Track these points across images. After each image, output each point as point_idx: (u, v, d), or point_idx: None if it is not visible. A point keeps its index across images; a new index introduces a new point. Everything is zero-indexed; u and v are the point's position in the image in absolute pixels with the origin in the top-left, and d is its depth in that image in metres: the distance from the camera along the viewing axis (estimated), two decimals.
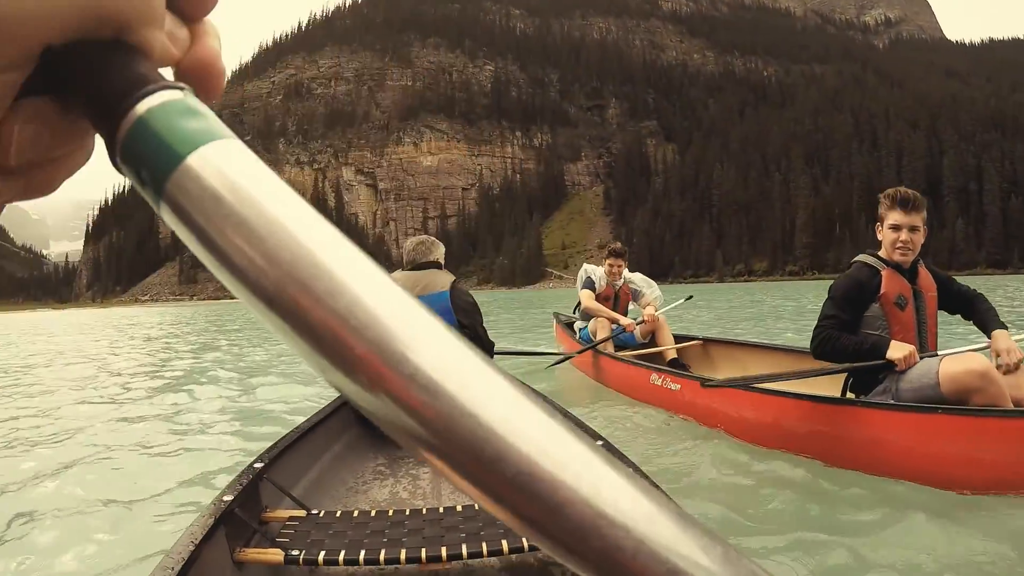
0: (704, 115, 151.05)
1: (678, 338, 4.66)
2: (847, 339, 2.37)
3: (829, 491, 2.11)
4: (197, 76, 0.18)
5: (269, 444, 1.93)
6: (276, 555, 1.34)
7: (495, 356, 3.22)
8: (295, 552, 1.34)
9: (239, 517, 1.42)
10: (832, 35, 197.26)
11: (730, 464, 2.42)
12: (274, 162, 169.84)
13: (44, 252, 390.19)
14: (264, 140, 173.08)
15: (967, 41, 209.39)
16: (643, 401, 3.60)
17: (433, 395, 0.12)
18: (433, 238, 2.80)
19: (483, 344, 2.67)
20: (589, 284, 4.70)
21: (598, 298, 4.67)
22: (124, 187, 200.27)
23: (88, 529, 2.13)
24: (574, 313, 5.28)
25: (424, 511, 1.61)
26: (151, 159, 0.15)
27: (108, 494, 2.41)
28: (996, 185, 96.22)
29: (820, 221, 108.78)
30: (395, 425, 0.13)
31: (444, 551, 1.33)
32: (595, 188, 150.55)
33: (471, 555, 1.34)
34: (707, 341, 4.58)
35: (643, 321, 4.49)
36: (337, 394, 2.41)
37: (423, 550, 1.34)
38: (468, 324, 2.55)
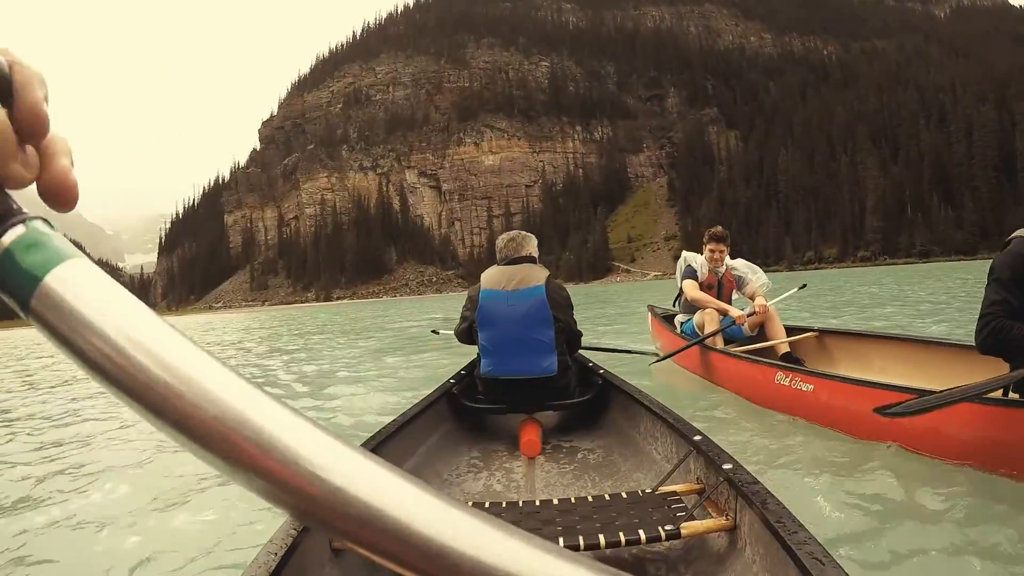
0: (765, 99, 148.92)
1: (789, 330, 4.22)
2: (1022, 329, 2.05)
3: None
4: (52, 192, 0.23)
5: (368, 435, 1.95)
6: None
7: (583, 351, 3.23)
8: None
9: None
10: (890, 7, 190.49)
11: (916, 481, 2.07)
12: (338, 169, 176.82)
13: (120, 265, 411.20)
14: (327, 148, 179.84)
15: None
16: (764, 404, 3.25)
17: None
18: (525, 232, 2.83)
19: (573, 336, 2.72)
20: (691, 273, 4.45)
21: (703, 284, 4.43)
22: (194, 201, 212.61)
23: (186, 517, 2.21)
24: (674, 305, 5.03)
25: (520, 503, 1.62)
26: (15, 284, 0.21)
27: (200, 485, 2.55)
28: None
29: (890, 204, 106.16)
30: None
31: None
32: (659, 179, 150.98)
33: (568, 548, 1.17)
34: (823, 332, 4.17)
35: (753, 312, 4.19)
36: (434, 387, 2.84)
37: None
38: (563, 319, 2.59)
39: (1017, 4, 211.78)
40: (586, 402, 2.66)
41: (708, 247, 4.46)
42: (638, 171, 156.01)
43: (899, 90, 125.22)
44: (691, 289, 4.44)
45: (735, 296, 4.58)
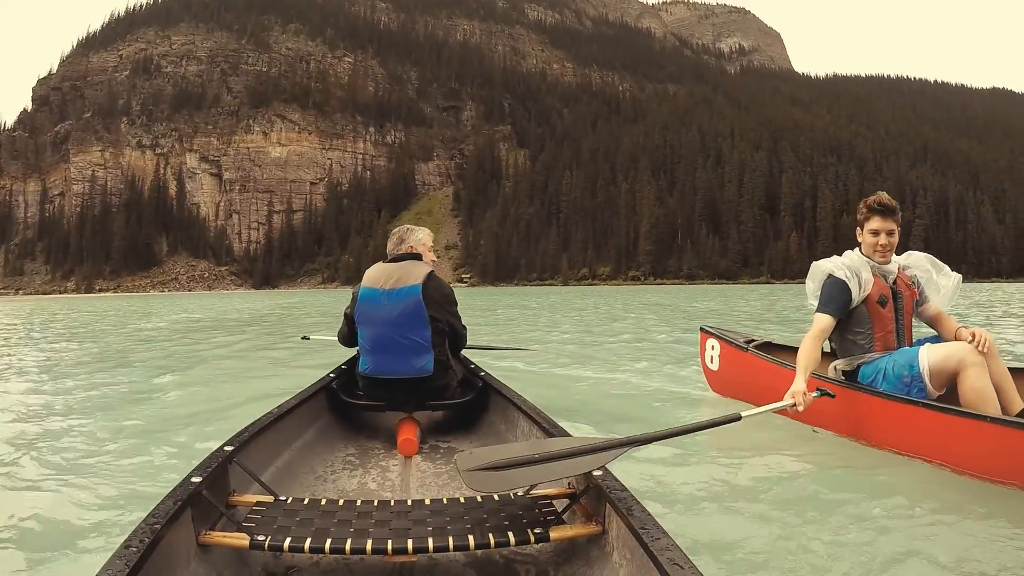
0: (558, 123, 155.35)
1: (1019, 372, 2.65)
2: None
3: None
4: None
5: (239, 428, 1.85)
6: (241, 539, 1.33)
7: (468, 351, 3.06)
8: (260, 537, 1.32)
9: (206, 499, 1.40)
10: (688, 58, 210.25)
11: None
12: (114, 143, 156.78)
13: None
14: (105, 119, 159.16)
15: (813, 74, 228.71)
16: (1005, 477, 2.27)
17: None
18: (410, 225, 2.71)
19: (456, 336, 2.62)
20: (837, 293, 2.67)
21: (867, 300, 2.68)
22: None
23: (46, 506, 2.09)
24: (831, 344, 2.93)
25: (392, 503, 1.59)
26: None
27: (61, 473, 2.37)
28: (829, 203, 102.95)
29: (663, 230, 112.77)
30: None
31: (410, 544, 1.32)
32: (445, 189, 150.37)
33: (437, 549, 1.33)
34: None
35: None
36: (312, 380, 2.56)
37: (389, 542, 1.32)
38: (442, 318, 2.50)
39: (800, 71, 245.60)
40: (466, 403, 2.62)
41: (869, 226, 2.69)
42: (426, 179, 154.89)
43: (683, 130, 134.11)
44: (809, 335, 2.65)
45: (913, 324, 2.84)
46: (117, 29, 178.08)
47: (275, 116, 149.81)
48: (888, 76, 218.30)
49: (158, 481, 2.43)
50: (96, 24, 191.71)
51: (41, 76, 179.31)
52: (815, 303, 2.79)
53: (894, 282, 2.74)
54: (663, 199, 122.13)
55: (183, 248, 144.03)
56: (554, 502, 1.60)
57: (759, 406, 2.47)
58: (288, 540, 1.31)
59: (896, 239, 2.66)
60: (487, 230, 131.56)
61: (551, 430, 1.94)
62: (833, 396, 2.53)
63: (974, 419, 2.32)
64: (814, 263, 2.86)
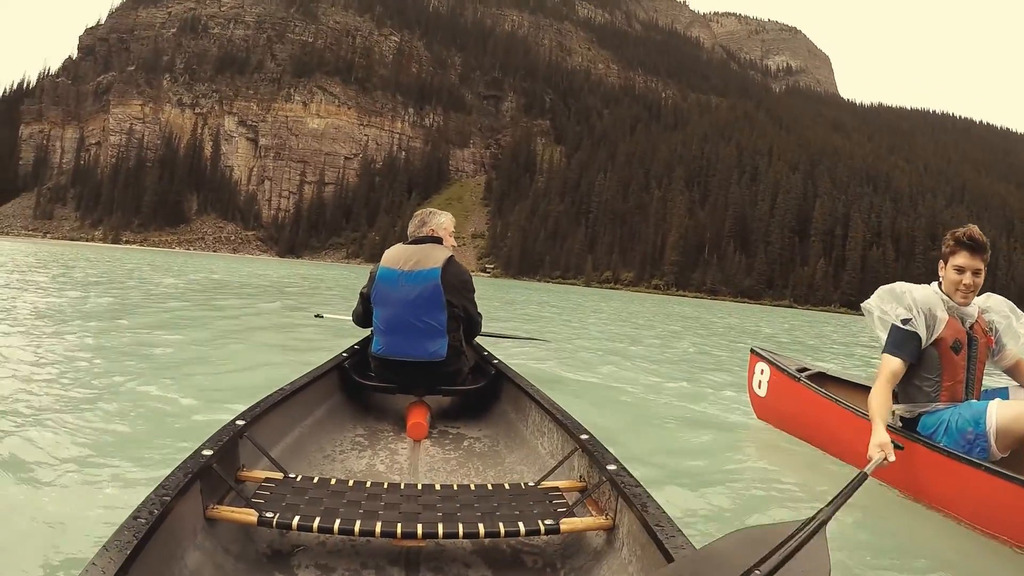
0: (597, 123, 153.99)
1: None
2: None
3: None
4: None
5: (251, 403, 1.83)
6: (250, 515, 1.32)
7: (482, 338, 3.01)
8: (269, 514, 1.32)
9: (216, 473, 1.39)
10: (734, 71, 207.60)
11: None
12: (154, 99, 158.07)
13: None
14: (148, 74, 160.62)
15: (858, 101, 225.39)
16: None
17: None
18: (433, 209, 2.67)
19: (471, 322, 2.61)
20: (909, 337, 2.41)
21: (939, 343, 2.41)
22: None
23: (58, 478, 2.08)
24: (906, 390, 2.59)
25: (403, 486, 1.57)
26: None
27: (72, 446, 2.36)
28: (860, 234, 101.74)
29: (691, 242, 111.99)
30: None
31: (420, 528, 1.31)
32: (478, 177, 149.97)
33: (447, 535, 1.31)
34: None
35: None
36: (324, 359, 2.55)
37: (399, 525, 1.31)
38: (458, 304, 2.49)
39: (846, 97, 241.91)
40: (477, 390, 2.62)
41: (954, 261, 2.41)
42: (460, 165, 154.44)
43: (721, 144, 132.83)
44: (880, 378, 2.40)
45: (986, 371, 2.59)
46: None
47: (316, 87, 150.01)
48: (933, 111, 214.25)
49: (155, 452, 2.47)
50: None
51: (89, 26, 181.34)
52: (876, 329, 2.57)
53: (971, 327, 2.46)
54: (694, 211, 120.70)
55: (212, 209, 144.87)
56: (565, 494, 1.58)
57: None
58: (297, 518, 1.30)
59: (982, 280, 2.37)
60: (515, 223, 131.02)
61: (564, 421, 1.92)
62: (902, 448, 2.29)
63: None
64: (886, 288, 2.57)
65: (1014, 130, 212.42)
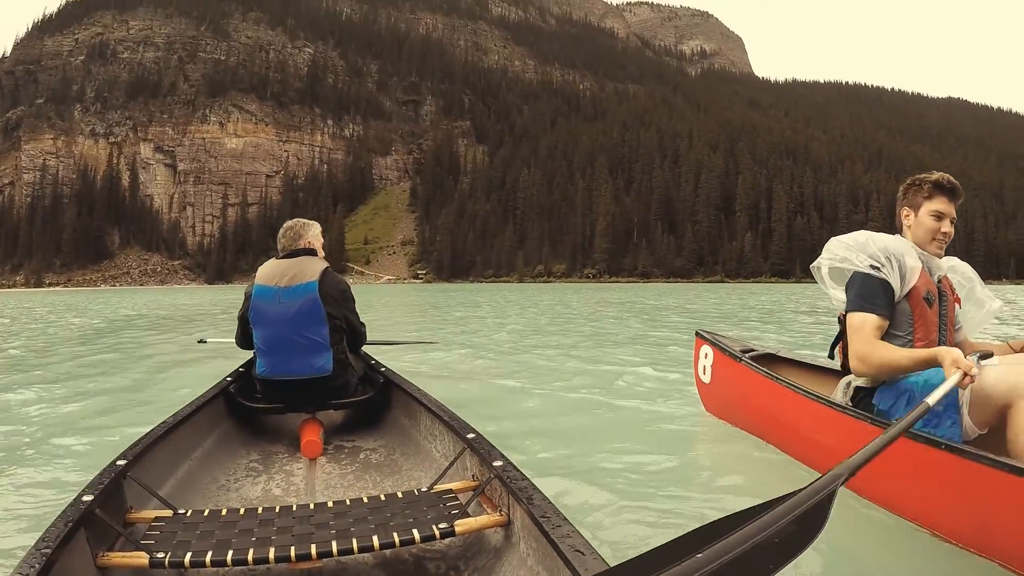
0: (517, 120, 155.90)
1: None
2: None
3: None
4: None
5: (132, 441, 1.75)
6: (141, 558, 1.28)
7: (369, 346, 3.01)
8: (160, 554, 1.28)
9: (101, 519, 1.33)
10: (649, 58, 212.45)
11: None
12: (67, 131, 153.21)
13: None
14: (58, 105, 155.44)
15: (772, 79, 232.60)
16: None
17: None
18: (305, 220, 2.60)
19: (355, 333, 2.57)
20: (879, 289, 2.00)
21: (912, 295, 2.01)
22: None
23: None
24: (831, 356, 2.33)
25: (295, 508, 1.55)
26: None
27: None
28: (784, 205, 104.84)
29: (619, 228, 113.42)
30: None
31: (314, 549, 1.29)
32: (402, 184, 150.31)
33: (341, 552, 1.30)
34: None
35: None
36: (209, 385, 2.36)
37: (292, 548, 1.29)
38: (339, 315, 2.42)
39: (760, 75, 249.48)
40: (368, 401, 2.56)
41: (931, 206, 2.07)
42: (383, 173, 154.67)
43: (642, 130, 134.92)
44: (866, 340, 1.95)
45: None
46: (75, 11, 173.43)
47: (232, 106, 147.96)
48: (846, 83, 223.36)
49: (45, 499, 2.27)
50: (52, 6, 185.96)
51: None
52: (829, 287, 2.20)
53: (939, 281, 2.12)
54: (620, 198, 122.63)
55: (135, 241, 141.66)
56: (459, 495, 1.58)
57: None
58: (189, 555, 1.27)
59: (953, 233, 2.08)
60: (443, 226, 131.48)
61: (452, 423, 1.91)
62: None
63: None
64: (840, 238, 2.14)
65: (925, 94, 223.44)
